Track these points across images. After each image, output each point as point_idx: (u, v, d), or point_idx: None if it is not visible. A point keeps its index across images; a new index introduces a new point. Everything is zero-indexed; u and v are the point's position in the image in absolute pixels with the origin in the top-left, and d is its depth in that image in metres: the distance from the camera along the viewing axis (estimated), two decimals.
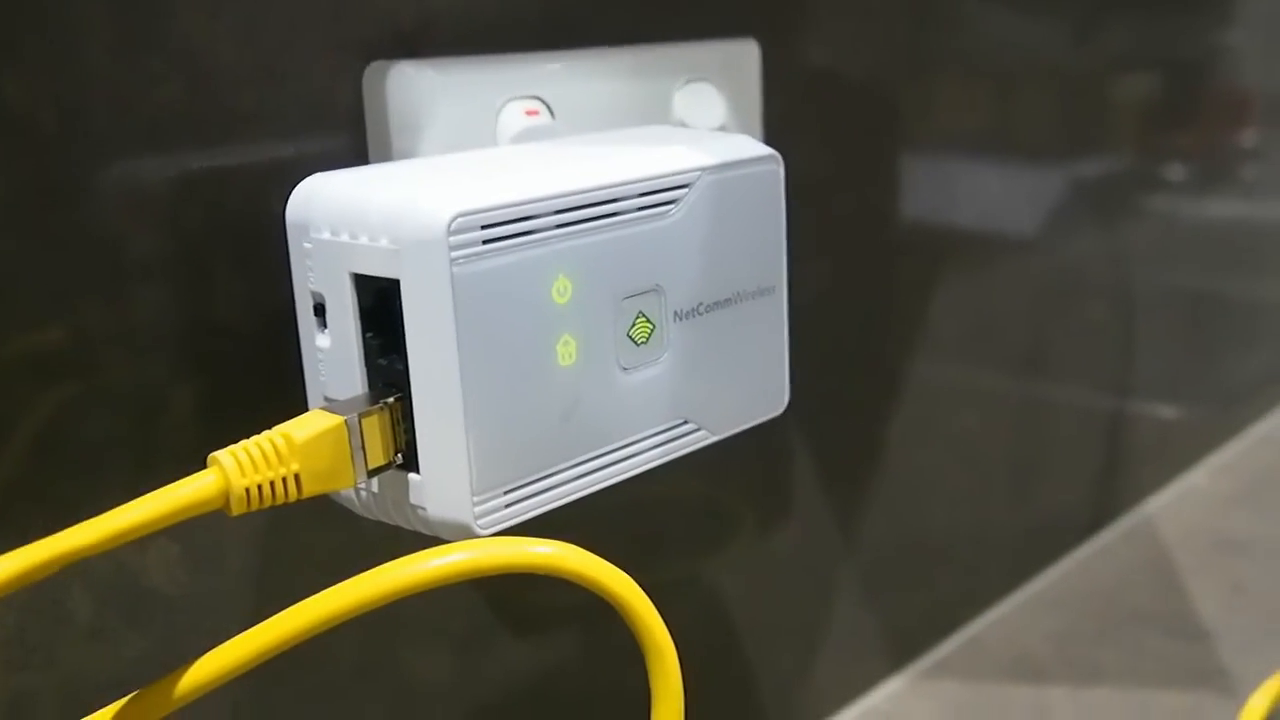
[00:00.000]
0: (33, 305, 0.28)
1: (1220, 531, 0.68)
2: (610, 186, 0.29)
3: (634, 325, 0.30)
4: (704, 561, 0.46)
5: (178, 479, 0.25)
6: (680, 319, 0.31)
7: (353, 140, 0.33)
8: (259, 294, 0.31)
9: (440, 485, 0.27)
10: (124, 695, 0.25)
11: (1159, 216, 0.69)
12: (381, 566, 0.25)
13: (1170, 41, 0.68)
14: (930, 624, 0.57)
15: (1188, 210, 0.73)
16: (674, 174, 0.30)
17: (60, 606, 0.30)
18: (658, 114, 0.37)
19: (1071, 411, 0.65)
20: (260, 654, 0.25)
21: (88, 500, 0.29)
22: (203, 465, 0.26)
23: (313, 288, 0.28)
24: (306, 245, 0.28)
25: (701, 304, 0.31)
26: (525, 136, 0.34)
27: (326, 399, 0.29)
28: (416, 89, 0.32)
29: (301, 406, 0.30)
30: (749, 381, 0.33)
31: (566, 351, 0.28)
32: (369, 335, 0.28)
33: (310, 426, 0.26)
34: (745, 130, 0.40)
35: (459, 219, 0.26)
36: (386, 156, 0.33)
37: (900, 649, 0.56)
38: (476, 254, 0.26)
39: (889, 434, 0.53)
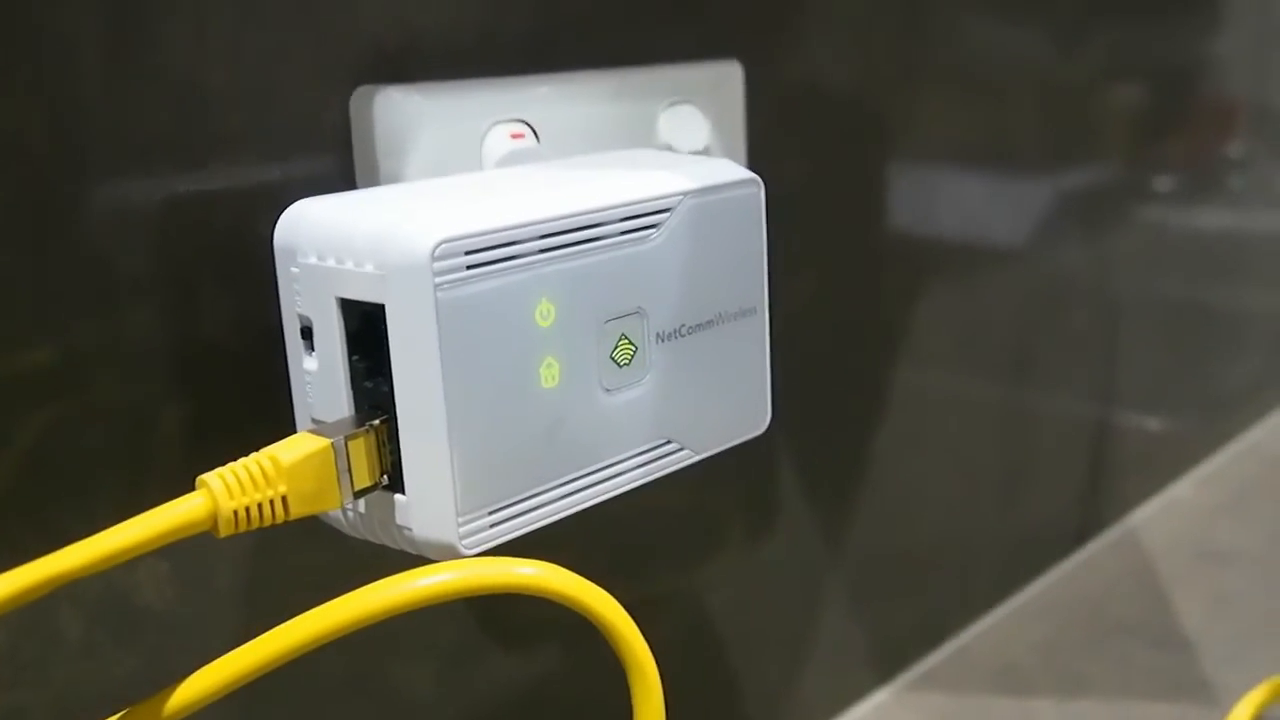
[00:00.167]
0: (22, 324, 0.28)
1: (1205, 542, 0.69)
2: (592, 211, 0.29)
3: (617, 347, 0.30)
4: (691, 573, 0.46)
5: (166, 497, 0.25)
6: (662, 341, 0.31)
7: (339, 163, 0.33)
8: (247, 314, 0.32)
9: (425, 506, 0.28)
10: (114, 712, 0.26)
11: (1145, 226, 0.70)
12: (368, 586, 0.26)
13: (1156, 51, 0.69)
14: (917, 635, 0.58)
15: (1174, 220, 0.74)
16: (655, 198, 0.31)
17: (50, 624, 0.30)
18: (642, 136, 0.38)
19: (1058, 422, 0.66)
20: (250, 672, 0.26)
21: (77, 518, 0.29)
22: (191, 484, 0.26)
23: (300, 311, 0.29)
24: (294, 270, 0.29)
25: (683, 326, 0.32)
26: (511, 159, 0.34)
27: (314, 420, 0.29)
28: (403, 113, 0.33)
29: (289, 426, 0.30)
30: (731, 401, 0.34)
31: (550, 374, 0.29)
32: (355, 358, 0.28)
33: (297, 449, 0.27)
34: (729, 150, 0.41)
35: (443, 245, 0.26)
36: (373, 179, 0.33)
37: (887, 660, 0.56)
38: (460, 279, 0.27)
39: (875, 445, 0.53)
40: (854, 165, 0.50)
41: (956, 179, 0.56)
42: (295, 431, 0.30)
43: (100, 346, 0.30)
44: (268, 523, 0.26)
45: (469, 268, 0.27)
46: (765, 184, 0.34)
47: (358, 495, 0.28)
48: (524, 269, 0.28)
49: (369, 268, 0.27)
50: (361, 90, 0.33)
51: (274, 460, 0.26)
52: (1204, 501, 0.74)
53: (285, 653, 0.26)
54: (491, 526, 0.29)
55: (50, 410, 0.29)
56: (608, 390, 0.30)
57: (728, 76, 0.41)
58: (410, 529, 0.28)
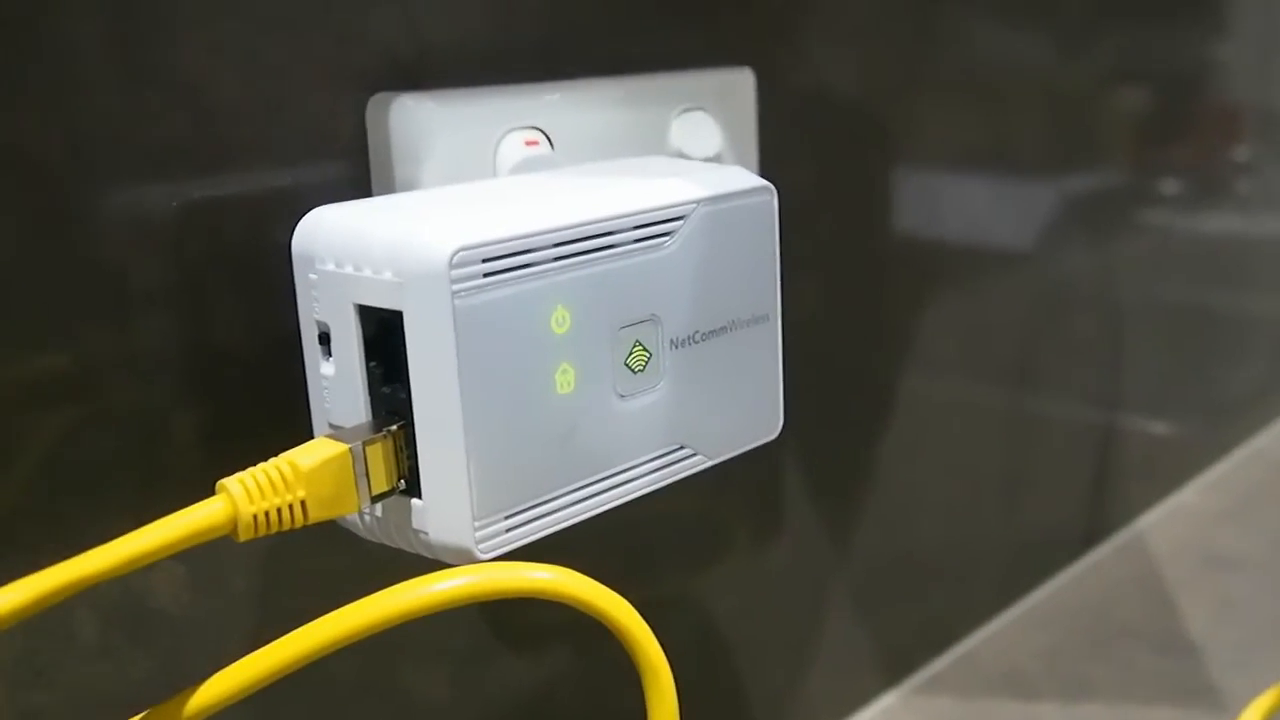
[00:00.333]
0: (39, 330, 0.29)
1: (1211, 548, 0.69)
2: (607, 219, 0.29)
3: (631, 354, 0.31)
4: (698, 577, 0.47)
5: (182, 502, 0.26)
6: (676, 347, 0.32)
7: (355, 170, 0.33)
8: (263, 320, 0.32)
9: (442, 511, 0.28)
10: (130, 714, 0.26)
11: (1150, 231, 0.70)
12: (383, 591, 0.26)
13: (1162, 56, 0.69)
14: (923, 640, 0.58)
15: (1179, 225, 0.74)
16: (669, 206, 0.31)
17: (67, 626, 0.30)
18: (655, 143, 0.38)
19: (1063, 427, 0.66)
20: (266, 677, 0.26)
21: (93, 523, 0.30)
22: (207, 489, 0.26)
23: (318, 317, 0.29)
24: (312, 276, 0.29)
25: (697, 332, 0.32)
26: (525, 166, 0.35)
27: (331, 425, 0.30)
28: (418, 120, 0.33)
29: (305, 431, 0.31)
30: (744, 407, 0.34)
31: (565, 380, 0.29)
32: (372, 364, 0.29)
33: (316, 454, 0.27)
34: (741, 156, 0.41)
35: (460, 253, 0.27)
36: (389, 186, 0.33)
37: (893, 665, 0.56)
38: (477, 286, 0.27)
39: (882, 450, 0.53)
40: (863, 171, 0.50)
41: (963, 184, 0.56)
42: (311, 437, 0.30)
43: (117, 352, 0.30)
44: (286, 527, 0.27)
45: (486, 275, 0.27)
46: (776, 190, 0.34)
47: (375, 500, 0.28)
48: (540, 276, 0.28)
49: (387, 275, 0.27)
50: (377, 98, 0.33)
51: (293, 465, 0.27)
52: (1209, 507, 0.74)
53: (301, 657, 0.26)
54: (507, 531, 0.29)
55: (66, 415, 0.29)
56: (622, 396, 0.31)
57: (739, 83, 0.41)
58: (426, 533, 0.28)
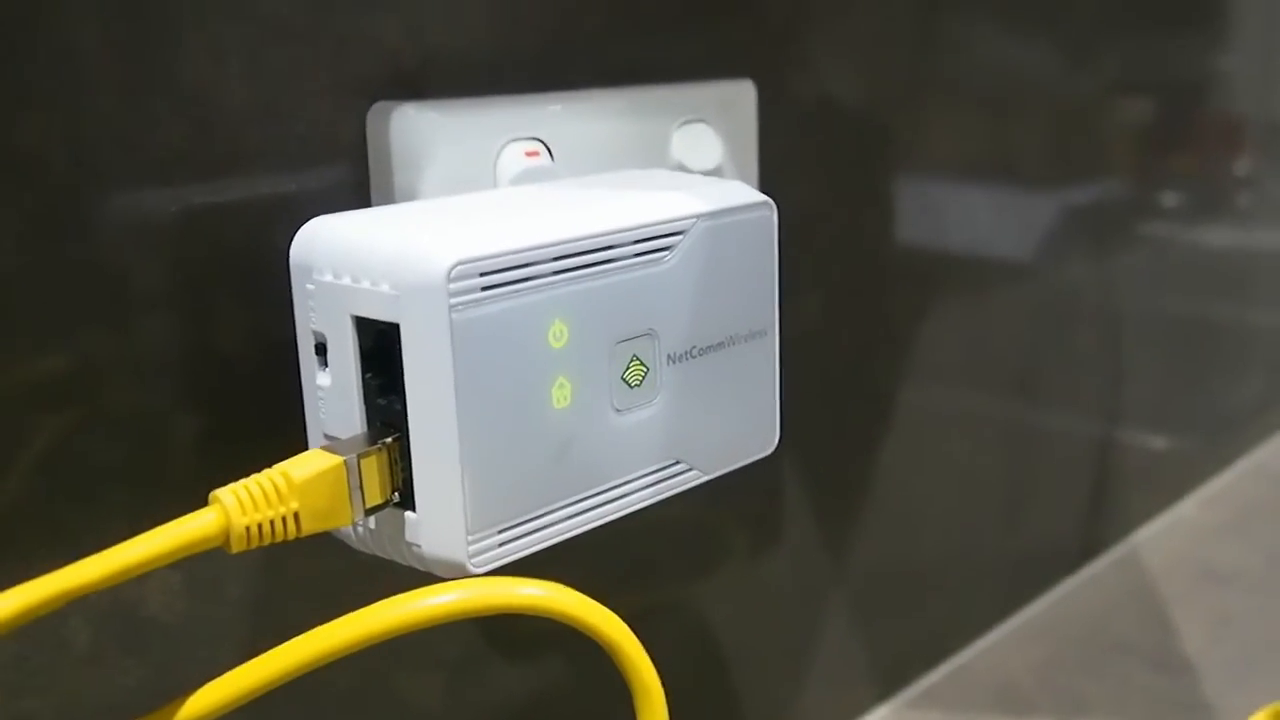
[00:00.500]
0: (37, 333, 0.29)
1: (1208, 563, 0.69)
2: (606, 234, 0.29)
3: (628, 368, 0.31)
4: (694, 586, 0.47)
5: (177, 509, 0.26)
6: (673, 362, 0.32)
7: (355, 178, 0.33)
8: (261, 328, 0.32)
9: (435, 524, 0.28)
10: None
11: (1151, 243, 0.70)
12: (374, 605, 0.26)
13: (1164, 68, 0.69)
14: (918, 653, 0.58)
15: (1180, 237, 0.74)
16: (669, 221, 0.31)
17: (59, 634, 0.30)
18: (655, 154, 0.38)
19: (1062, 440, 0.66)
20: (256, 688, 0.26)
21: (88, 527, 0.30)
22: (202, 496, 0.26)
23: (315, 328, 0.29)
24: (309, 286, 0.29)
25: (694, 347, 0.32)
26: (525, 177, 0.34)
27: (326, 436, 0.30)
28: (419, 129, 0.33)
29: (300, 439, 0.31)
30: (740, 422, 0.34)
31: (561, 394, 0.29)
32: (369, 376, 0.28)
33: (309, 466, 0.27)
34: (741, 168, 0.41)
35: (459, 266, 0.26)
36: (388, 194, 0.33)
37: (888, 677, 0.56)
38: (475, 300, 0.27)
39: (880, 461, 0.53)
40: (864, 183, 0.50)
41: (965, 196, 0.56)
42: (306, 446, 0.30)
43: (114, 357, 0.30)
44: (279, 539, 0.26)
45: (484, 289, 0.27)
46: (777, 203, 0.34)
47: (369, 512, 0.28)
48: (538, 290, 0.28)
49: (385, 287, 0.27)
50: (378, 106, 0.33)
51: (286, 477, 0.27)
52: (1207, 521, 0.74)
53: (291, 670, 0.26)
54: (500, 545, 0.29)
55: (63, 420, 0.29)
56: (618, 411, 0.31)
57: (741, 95, 0.41)
58: (420, 546, 0.28)
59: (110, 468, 0.30)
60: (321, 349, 0.29)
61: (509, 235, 0.28)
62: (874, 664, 0.55)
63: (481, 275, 0.27)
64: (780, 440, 0.36)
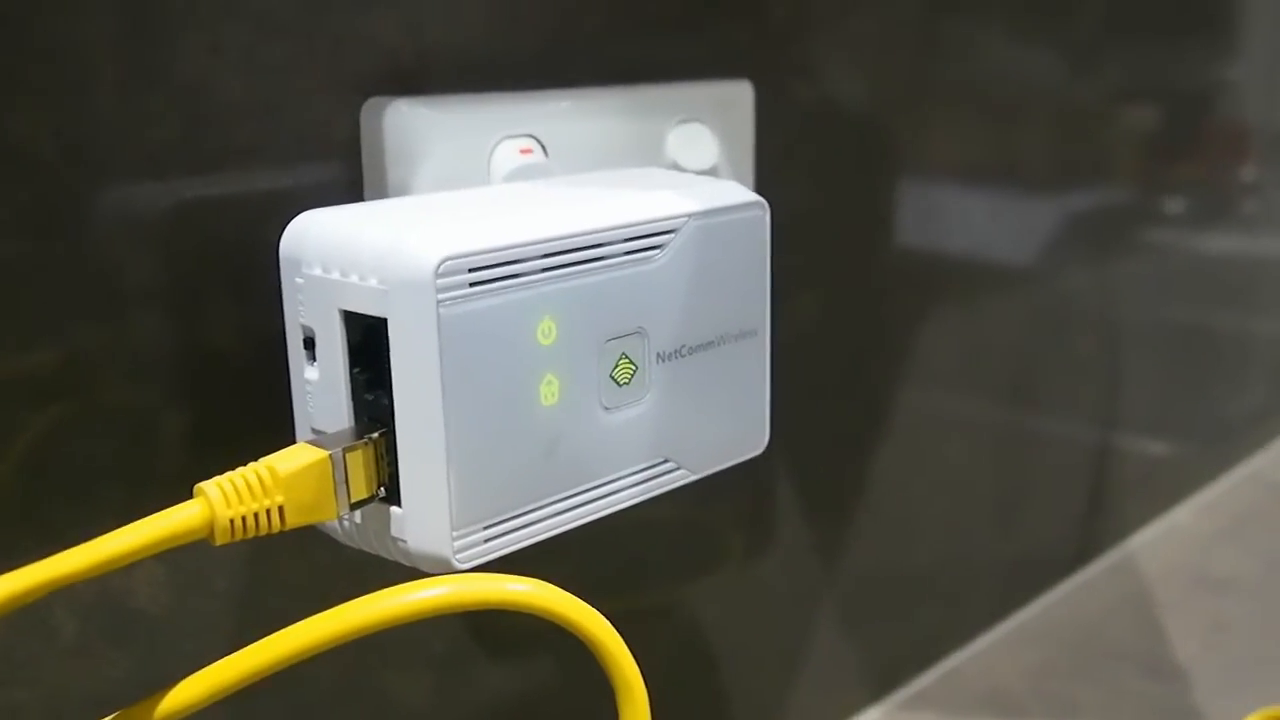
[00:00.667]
0: (27, 326, 0.29)
1: (1203, 570, 0.69)
2: (597, 231, 0.29)
3: (617, 366, 0.31)
4: (686, 587, 0.47)
5: (165, 503, 0.26)
6: (663, 361, 0.32)
7: (348, 173, 0.33)
8: (251, 322, 0.32)
9: (421, 519, 0.28)
10: (107, 713, 0.26)
11: (1153, 250, 0.70)
12: (359, 600, 0.26)
13: (1170, 75, 0.69)
14: (910, 656, 0.58)
15: (1182, 244, 0.74)
16: (660, 219, 0.31)
17: (46, 625, 0.30)
18: (651, 154, 0.38)
19: (1058, 445, 0.66)
20: (240, 680, 0.26)
21: (75, 521, 0.30)
22: (189, 489, 0.26)
23: (303, 322, 0.29)
24: (298, 280, 0.29)
25: (684, 346, 0.32)
26: (519, 174, 0.34)
27: (314, 429, 0.30)
28: (413, 125, 0.33)
29: (289, 433, 0.31)
30: (729, 422, 0.34)
31: (549, 391, 0.29)
32: (356, 370, 0.28)
33: (295, 460, 0.27)
34: (737, 169, 0.41)
35: (447, 262, 0.26)
36: (381, 190, 0.33)
37: (880, 680, 0.56)
38: (463, 296, 0.27)
39: (875, 464, 0.53)
40: (861, 185, 0.50)
41: (965, 200, 0.56)
42: (295, 440, 0.30)
43: (104, 351, 0.30)
44: (264, 532, 0.26)
45: (472, 285, 0.27)
46: (772, 204, 0.34)
47: (354, 507, 0.28)
48: (527, 287, 0.28)
49: (373, 282, 0.27)
50: (372, 102, 0.33)
51: (271, 470, 0.27)
52: (1203, 528, 0.74)
53: (276, 662, 0.26)
54: (486, 542, 0.29)
55: (52, 413, 0.29)
56: (607, 409, 0.31)
57: (738, 96, 0.41)
58: (405, 541, 0.28)
59: (99, 462, 0.30)
60: (310, 343, 0.29)
61: (498, 232, 0.28)
62: (866, 666, 0.55)
63: (470, 271, 0.27)
64: (773, 441, 0.36)
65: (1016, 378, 0.61)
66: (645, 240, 0.31)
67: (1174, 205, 0.72)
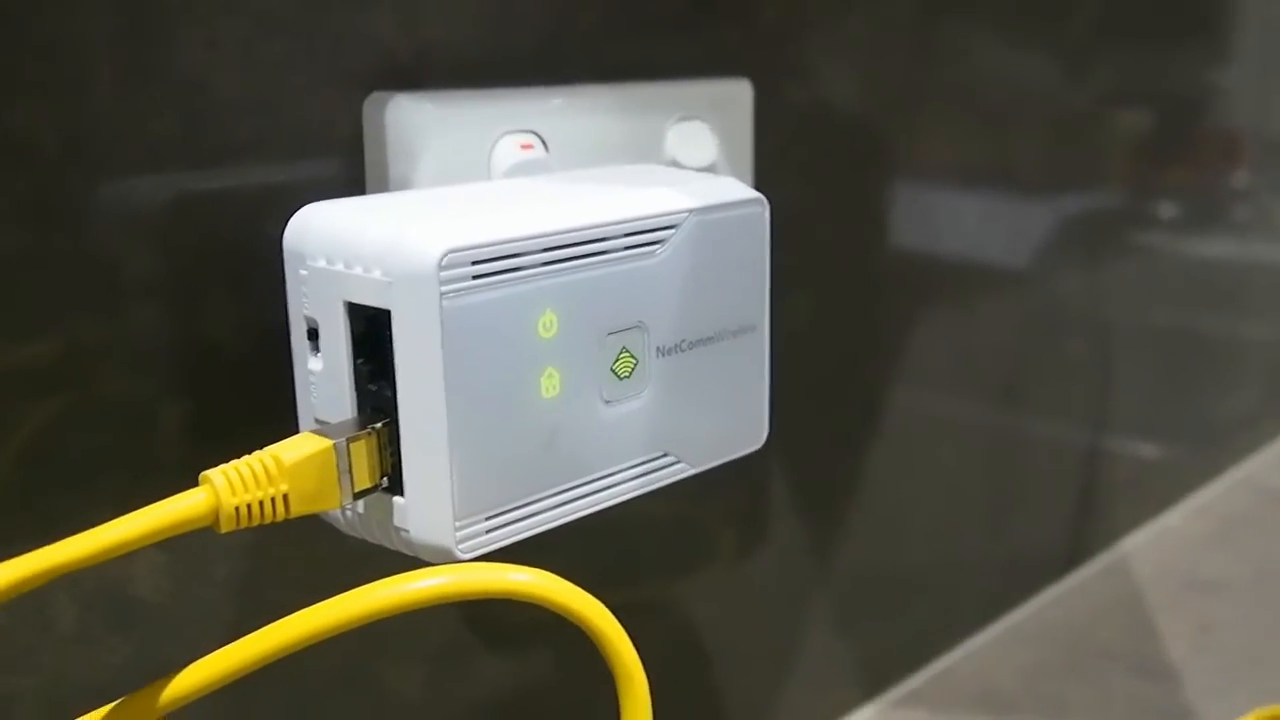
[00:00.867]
0: (28, 317, 0.29)
1: (1193, 572, 0.69)
2: (598, 226, 0.30)
3: (617, 360, 0.31)
4: (679, 584, 0.47)
5: (166, 492, 0.26)
6: (663, 355, 0.32)
7: (350, 168, 0.34)
8: (253, 314, 0.32)
9: (423, 509, 0.28)
10: (106, 701, 0.26)
11: (1145, 254, 0.70)
12: (362, 588, 0.26)
13: (1163, 79, 0.69)
14: (903, 655, 0.58)
15: (1174, 248, 0.74)
16: (661, 215, 0.31)
17: (45, 612, 0.30)
18: (650, 151, 0.38)
19: (1050, 447, 0.66)
20: (241, 668, 0.26)
21: (75, 511, 0.30)
22: (191, 479, 0.26)
23: (307, 313, 0.29)
24: (302, 272, 0.29)
25: (684, 341, 0.32)
26: (519, 170, 0.35)
27: (317, 420, 0.30)
28: (414, 120, 0.33)
29: (290, 424, 0.31)
30: (728, 417, 0.34)
31: (550, 384, 0.29)
32: (360, 361, 0.29)
33: (299, 449, 0.27)
34: (736, 167, 0.41)
35: (450, 255, 0.27)
36: (383, 184, 0.33)
37: (872, 679, 0.57)
38: (466, 288, 0.27)
39: (868, 464, 0.53)
40: (858, 185, 0.50)
41: (959, 201, 0.56)
42: (297, 431, 0.30)
43: (105, 342, 0.30)
44: (268, 520, 0.27)
45: (475, 277, 0.27)
46: (770, 202, 0.34)
47: (357, 496, 0.28)
48: (529, 280, 0.28)
49: (377, 274, 0.27)
50: (374, 97, 0.33)
51: (276, 459, 0.27)
52: (1194, 531, 0.75)
53: (277, 650, 0.26)
54: (487, 532, 0.29)
55: (54, 403, 0.30)
56: (607, 402, 0.31)
57: (737, 94, 0.41)
58: (407, 531, 0.29)
59: (100, 453, 0.30)
60: (313, 334, 0.29)
61: (501, 225, 0.28)
62: (859, 665, 0.55)
63: (473, 264, 0.27)
64: (768, 440, 0.36)
65: (1009, 379, 0.61)
66: (646, 235, 0.31)
67: (1166, 210, 0.73)
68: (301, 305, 0.29)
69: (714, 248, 0.32)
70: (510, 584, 0.27)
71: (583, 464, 0.31)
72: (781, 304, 0.36)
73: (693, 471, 0.34)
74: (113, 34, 0.29)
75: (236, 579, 0.33)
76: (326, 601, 0.26)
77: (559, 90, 0.37)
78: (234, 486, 0.26)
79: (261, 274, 0.31)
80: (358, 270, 0.28)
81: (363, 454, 0.28)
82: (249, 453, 0.27)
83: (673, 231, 0.31)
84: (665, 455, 0.33)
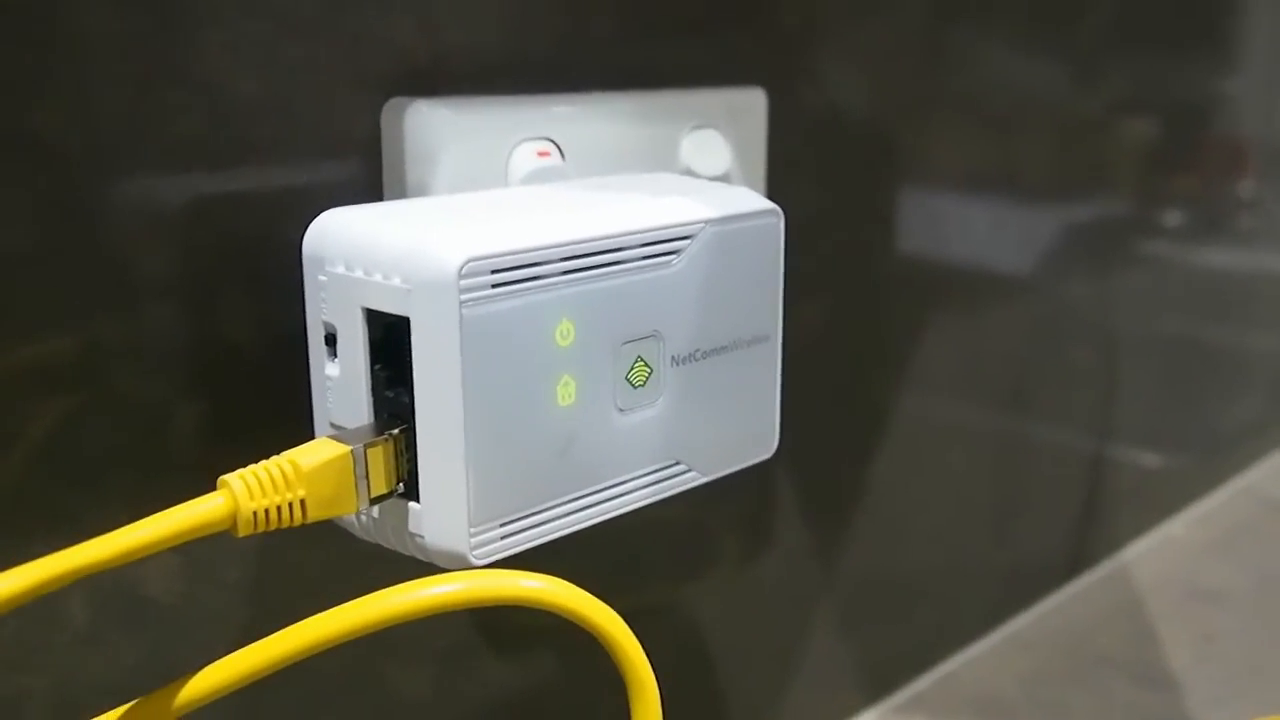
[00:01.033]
0: (45, 316, 0.29)
1: (1195, 581, 0.69)
2: (616, 236, 0.30)
3: (632, 369, 0.31)
4: (685, 587, 0.47)
5: (181, 495, 0.26)
6: (677, 364, 0.32)
7: (368, 173, 0.34)
8: (270, 318, 0.32)
9: (439, 515, 0.28)
10: (118, 701, 0.26)
11: (1152, 262, 0.71)
12: (376, 594, 0.26)
13: (1170, 88, 0.69)
14: (906, 660, 0.58)
15: (1180, 257, 0.74)
16: (677, 225, 0.31)
17: (58, 612, 0.30)
18: (665, 158, 0.38)
19: (1054, 455, 0.66)
20: (255, 672, 0.26)
21: (90, 511, 0.30)
22: (206, 482, 0.27)
23: (325, 319, 0.29)
24: (321, 278, 0.29)
25: (698, 350, 0.32)
26: (536, 177, 0.35)
27: (333, 425, 0.30)
28: (432, 126, 0.33)
29: (305, 429, 0.31)
30: (740, 426, 0.34)
31: (566, 392, 0.29)
32: (377, 367, 0.29)
33: (317, 454, 0.27)
34: (749, 175, 0.41)
35: (470, 263, 0.27)
36: (401, 189, 0.34)
37: (875, 683, 0.57)
38: (485, 297, 0.27)
39: (874, 469, 0.54)
40: (869, 193, 0.50)
41: (968, 209, 0.56)
42: (312, 436, 0.30)
43: (123, 341, 0.30)
44: (285, 524, 0.27)
45: (494, 286, 0.27)
46: (783, 211, 0.34)
47: (373, 502, 0.28)
48: (547, 289, 0.28)
49: (396, 281, 0.27)
50: (393, 103, 0.33)
51: (294, 464, 0.27)
52: (1197, 540, 0.75)
53: (293, 654, 0.26)
54: (502, 539, 0.29)
55: (70, 401, 0.30)
56: (621, 410, 0.31)
57: (751, 103, 0.42)
58: (422, 536, 0.29)
59: (115, 452, 0.30)
60: (331, 340, 0.29)
61: (520, 234, 0.28)
62: (862, 669, 0.56)
63: (492, 273, 0.27)
64: (778, 445, 0.36)
65: (1015, 386, 0.62)
66: (663, 245, 0.31)
67: (1172, 218, 0.73)
68: (320, 310, 0.29)
69: (729, 258, 0.33)
70: (523, 591, 0.27)
71: (597, 472, 0.31)
72: (791, 310, 0.36)
73: (704, 480, 0.34)
74: (135, 35, 0.29)
75: (248, 582, 0.33)
76: (341, 606, 0.26)
77: (575, 98, 0.37)
78: (252, 491, 0.26)
79: (279, 276, 0.31)
80: (377, 277, 0.28)
81: (379, 460, 0.28)
82: (264, 455, 0.27)
83: (689, 242, 0.31)
84: (677, 464, 0.33)
